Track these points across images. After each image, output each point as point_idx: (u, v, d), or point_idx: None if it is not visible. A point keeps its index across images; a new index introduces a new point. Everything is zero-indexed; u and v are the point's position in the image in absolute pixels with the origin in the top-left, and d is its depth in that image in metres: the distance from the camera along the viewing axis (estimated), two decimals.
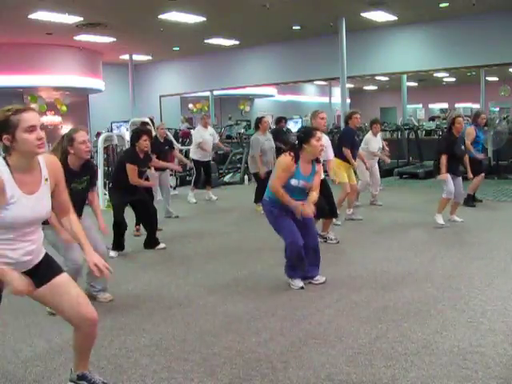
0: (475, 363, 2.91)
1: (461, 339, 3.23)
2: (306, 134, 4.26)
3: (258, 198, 8.09)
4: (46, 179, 2.43)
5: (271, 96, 22.38)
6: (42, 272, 2.49)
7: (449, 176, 6.41)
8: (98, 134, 12.61)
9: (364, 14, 11.95)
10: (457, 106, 24.46)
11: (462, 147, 6.64)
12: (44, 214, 2.43)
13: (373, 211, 7.98)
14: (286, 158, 4.21)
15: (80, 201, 4.00)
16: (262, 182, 8.06)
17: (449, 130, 6.66)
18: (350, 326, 3.52)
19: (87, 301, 2.63)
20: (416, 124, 15.54)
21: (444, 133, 6.96)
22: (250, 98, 22.49)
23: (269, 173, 8.07)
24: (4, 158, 2.31)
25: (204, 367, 2.99)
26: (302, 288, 4.28)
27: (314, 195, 4.33)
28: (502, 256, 5.13)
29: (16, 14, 10.93)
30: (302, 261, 4.28)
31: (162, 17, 11.58)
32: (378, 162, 9.95)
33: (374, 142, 8.04)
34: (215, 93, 18.12)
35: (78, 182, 3.99)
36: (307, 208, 4.18)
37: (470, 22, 12.16)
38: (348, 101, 16.25)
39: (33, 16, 11.06)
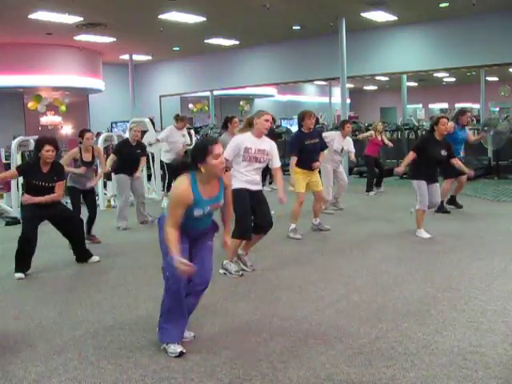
0: (475, 363, 2.91)
1: (461, 339, 3.23)
2: (200, 151, 3.09)
3: None
4: None
5: (271, 96, 22.37)
6: None
7: (424, 185, 5.95)
8: (98, 134, 12.61)
9: (364, 14, 11.96)
10: (457, 106, 24.45)
11: (444, 152, 6.00)
12: None
13: (372, 212, 7.97)
14: (180, 188, 3.08)
15: None
16: None
17: (431, 130, 6.12)
18: (350, 326, 3.52)
19: None
20: (416, 124, 15.55)
21: (426, 132, 6.29)
22: (250, 98, 22.48)
23: None
24: None
25: (204, 367, 2.99)
26: (181, 353, 3.14)
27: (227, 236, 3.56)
28: (502, 256, 5.13)
29: (16, 14, 10.94)
30: (182, 303, 3.24)
31: (162, 17, 11.58)
32: (378, 163, 9.99)
33: (337, 142, 7.63)
34: (215, 93, 18.12)
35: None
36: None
37: (470, 21, 12.16)
38: (348, 101, 16.26)
39: (33, 16, 11.07)
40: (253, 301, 4.10)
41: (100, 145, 9.38)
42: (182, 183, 3.09)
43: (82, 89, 16.66)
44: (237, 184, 4.47)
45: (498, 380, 2.74)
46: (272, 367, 2.96)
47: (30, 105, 15.89)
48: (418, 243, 5.86)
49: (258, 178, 4.90)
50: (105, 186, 9.53)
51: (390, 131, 14.44)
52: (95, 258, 5.46)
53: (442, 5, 11.30)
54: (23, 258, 5.00)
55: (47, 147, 4.92)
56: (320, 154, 6.49)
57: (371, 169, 9.96)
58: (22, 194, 5.23)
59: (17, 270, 4.98)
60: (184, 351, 3.16)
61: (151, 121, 10.92)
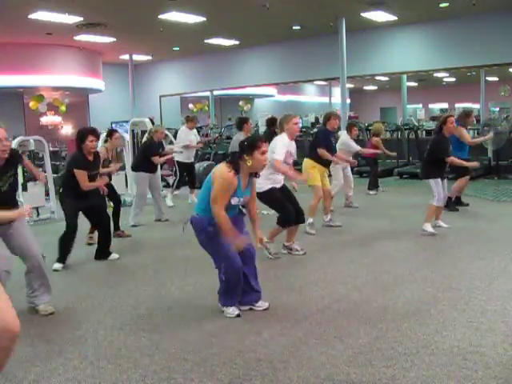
0: (475, 363, 2.91)
1: (461, 339, 3.23)
2: (250, 144, 3.57)
3: None
4: None
5: (271, 96, 22.39)
6: None
7: (440, 183, 6.09)
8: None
9: (364, 14, 11.96)
10: (457, 105, 24.45)
11: (451, 148, 6.22)
12: None
13: (372, 211, 7.97)
14: (228, 174, 3.47)
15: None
16: None
17: (440, 130, 6.22)
18: (350, 326, 3.52)
19: (13, 309, 2.37)
20: (416, 124, 15.55)
21: (436, 134, 6.35)
22: (250, 98, 22.49)
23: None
24: None
25: (204, 367, 2.99)
26: (238, 316, 3.69)
27: (259, 234, 3.82)
28: (502, 256, 5.13)
29: (16, 14, 10.94)
30: (240, 286, 3.72)
31: (162, 17, 11.59)
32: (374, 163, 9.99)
33: (352, 143, 7.97)
34: (215, 93, 18.13)
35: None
36: (258, 241, 3.78)
37: (470, 21, 12.17)
38: (348, 101, 16.27)
39: (33, 16, 11.08)
40: None
41: (100, 145, 9.39)
42: (228, 170, 3.49)
43: (82, 89, 16.67)
44: (266, 185, 5.03)
45: (498, 380, 2.74)
46: (272, 367, 2.96)
47: (32, 104, 15.88)
48: (417, 243, 5.86)
49: (282, 177, 5.34)
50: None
51: (390, 131, 14.46)
52: (115, 256, 5.56)
53: (441, 5, 11.31)
54: (68, 249, 5.22)
55: (91, 137, 5.13)
56: (337, 154, 6.87)
57: (374, 168, 9.98)
58: (60, 187, 5.51)
59: (59, 261, 5.18)
60: (241, 314, 3.70)
61: (151, 121, 10.92)
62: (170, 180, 10.87)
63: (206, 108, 20.32)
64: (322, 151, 6.44)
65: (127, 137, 10.24)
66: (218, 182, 3.48)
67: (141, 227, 7.28)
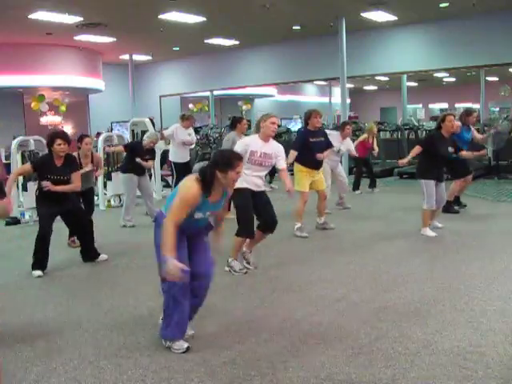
0: (475, 363, 2.91)
1: (461, 339, 3.23)
2: (226, 163, 3.17)
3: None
4: None
5: (271, 96, 22.38)
6: None
7: (432, 185, 5.94)
8: (98, 134, 12.61)
9: (364, 14, 11.96)
10: (457, 106, 24.45)
11: (451, 149, 6.01)
12: None
13: (372, 212, 7.98)
14: (193, 188, 3.13)
15: None
16: None
17: (438, 128, 6.12)
18: (350, 325, 3.52)
19: None
20: (416, 124, 15.54)
21: (433, 130, 6.29)
22: (250, 98, 22.49)
23: None
24: None
25: (204, 367, 2.99)
26: (188, 349, 3.19)
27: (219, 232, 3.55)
28: (502, 256, 5.13)
29: (16, 14, 10.94)
30: (185, 306, 3.25)
31: (162, 17, 11.59)
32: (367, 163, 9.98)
33: (335, 142, 7.49)
34: (215, 93, 18.12)
35: None
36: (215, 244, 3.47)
37: (470, 22, 12.17)
38: (348, 101, 16.26)
39: (33, 16, 11.08)
40: (253, 301, 4.10)
41: (100, 145, 9.40)
42: (194, 186, 3.13)
43: (82, 89, 16.66)
44: (240, 184, 4.38)
45: (498, 380, 2.74)
46: (272, 367, 2.96)
47: (33, 105, 15.87)
48: (417, 243, 5.86)
49: (261, 181, 4.95)
50: (105, 186, 9.53)
51: (389, 131, 14.46)
52: (104, 257, 5.49)
53: (442, 5, 11.31)
54: (42, 255, 5.05)
55: (58, 141, 5.05)
56: (325, 151, 6.52)
57: (359, 168, 9.99)
58: (36, 190, 5.28)
59: (35, 268, 5.02)
60: (190, 346, 3.20)
61: (151, 121, 10.92)
62: (170, 180, 10.90)
63: (206, 108, 20.31)
64: (291, 155, 6.18)
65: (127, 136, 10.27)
66: (179, 195, 3.14)
67: (140, 228, 7.27)
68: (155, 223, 3.33)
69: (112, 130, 16.12)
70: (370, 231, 6.57)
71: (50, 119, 17.38)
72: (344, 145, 7.96)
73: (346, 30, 12.35)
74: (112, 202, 9.32)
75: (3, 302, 4.31)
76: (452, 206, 7.42)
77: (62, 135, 5.18)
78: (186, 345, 3.21)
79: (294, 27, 13.41)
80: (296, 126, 18.15)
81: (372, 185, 10.05)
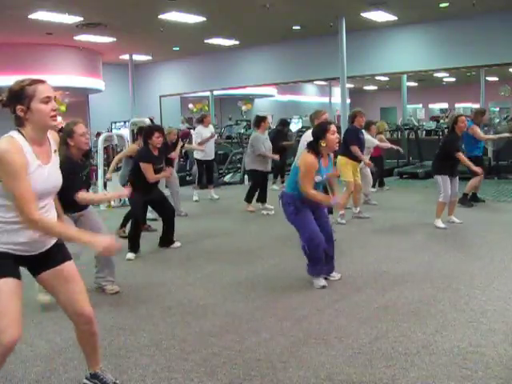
0: (475, 363, 2.91)
1: (461, 339, 3.23)
2: (321, 129, 4.29)
3: (250, 197, 8.08)
4: (55, 151, 2.48)
5: (271, 96, 22.38)
6: (53, 256, 2.49)
7: (448, 180, 6.39)
8: (98, 134, 12.60)
9: (364, 14, 11.95)
10: (457, 106, 24.47)
11: (461, 146, 6.62)
12: (58, 183, 2.47)
13: (372, 211, 7.97)
14: (310, 157, 4.20)
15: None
16: (256, 181, 8.06)
17: (452, 129, 6.58)
18: (350, 325, 3.52)
19: (85, 297, 2.56)
20: (416, 124, 15.54)
21: (448, 133, 6.83)
22: (250, 98, 22.50)
23: (266, 172, 8.15)
24: (18, 131, 2.33)
25: (204, 367, 2.99)
26: (323, 287, 4.29)
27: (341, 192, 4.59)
28: (502, 256, 5.13)
29: (16, 14, 10.93)
30: (321, 258, 4.32)
31: (162, 17, 11.58)
32: (381, 162, 10.01)
33: (369, 142, 8.13)
34: (215, 93, 18.12)
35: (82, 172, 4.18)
36: (339, 199, 4.48)
37: (470, 22, 12.16)
38: (348, 101, 16.26)
39: (33, 16, 11.06)
40: (253, 301, 4.10)
41: (100, 145, 9.41)
42: (310, 156, 4.20)
43: (82, 89, 16.64)
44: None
45: (498, 380, 2.74)
46: (272, 367, 2.96)
47: None
48: (417, 243, 5.86)
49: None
50: (105, 186, 9.54)
51: (389, 131, 14.46)
52: (177, 244, 6.01)
53: (441, 5, 11.30)
54: (136, 239, 5.64)
55: (157, 134, 5.63)
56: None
57: (379, 168, 10.03)
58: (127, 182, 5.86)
59: (131, 251, 5.57)
60: (326, 285, 4.30)
61: (151, 121, 10.93)
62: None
63: (206, 108, 20.30)
64: (354, 148, 6.85)
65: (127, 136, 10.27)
66: (302, 168, 4.19)
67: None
68: (283, 203, 4.40)
69: (112, 129, 16.13)
70: (370, 231, 6.57)
71: None
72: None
73: (346, 30, 12.34)
74: (112, 203, 9.32)
75: None
76: (467, 199, 7.86)
77: (160, 128, 5.86)
78: (323, 282, 4.34)
79: (293, 27, 13.39)
80: (297, 126, 18.12)
81: (380, 183, 10.12)
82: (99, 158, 9.39)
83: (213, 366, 3.01)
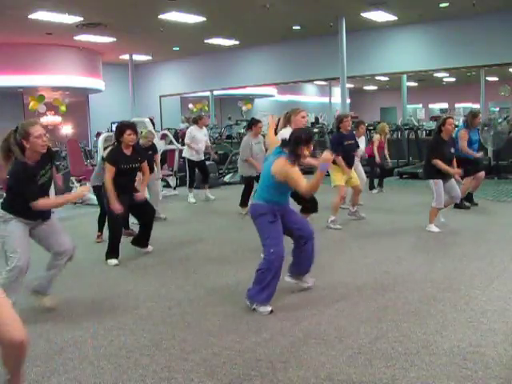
0: (475, 363, 2.91)
1: (461, 339, 3.23)
2: (310, 136, 3.95)
3: (244, 201, 7.97)
4: None
5: (271, 96, 22.38)
6: None
7: (441, 184, 6.10)
8: (98, 134, 12.60)
9: (364, 14, 11.96)
10: (457, 106, 24.46)
11: (452, 150, 6.25)
12: None
13: (372, 211, 7.97)
14: (291, 165, 3.82)
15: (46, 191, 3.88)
16: (247, 185, 7.97)
17: (438, 131, 6.27)
18: (350, 325, 3.52)
19: (17, 321, 2.31)
20: (416, 124, 15.54)
21: (434, 136, 6.53)
22: (250, 98, 22.50)
23: (257, 177, 8.05)
24: None
25: (204, 367, 2.99)
26: (271, 312, 3.78)
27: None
28: (502, 256, 5.13)
29: (16, 14, 10.94)
30: (277, 277, 3.87)
31: (162, 17, 11.59)
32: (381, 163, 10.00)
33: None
34: (215, 93, 18.12)
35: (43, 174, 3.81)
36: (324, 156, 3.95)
37: (470, 21, 12.17)
38: (348, 101, 16.26)
39: (33, 16, 11.07)
40: None
41: (100, 145, 9.40)
42: (289, 164, 3.80)
43: (82, 89, 16.66)
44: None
45: (498, 380, 2.74)
46: (272, 367, 2.96)
47: (32, 105, 15.86)
48: (417, 243, 5.86)
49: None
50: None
51: (389, 131, 14.45)
52: (150, 248, 5.78)
53: (442, 5, 11.31)
54: (116, 245, 5.39)
55: (128, 131, 5.23)
56: (356, 152, 7.13)
57: (374, 169, 10.03)
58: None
59: (111, 257, 5.36)
60: (273, 310, 3.79)
61: (151, 121, 10.92)
62: (170, 180, 10.88)
63: (206, 108, 20.31)
64: (337, 159, 6.48)
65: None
66: (290, 172, 3.78)
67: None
68: (253, 215, 3.99)
69: (112, 129, 16.13)
70: (370, 231, 6.57)
71: (50, 119, 17.37)
72: (361, 144, 8.21)
73: (346, 30, 12.35)
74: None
75: None
76: (463, 202, 7.61)
77: (131, 125, 5.36)
78: (269, 308, 3.81)
79: (293, 27, 13.40)
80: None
81: (379, 184, 10.09)
82: (99, 158, 9.37)
83: (213, 365, 3.01)
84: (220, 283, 4.61)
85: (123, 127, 5.29)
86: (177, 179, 11.39)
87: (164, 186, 10.84)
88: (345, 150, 6.70)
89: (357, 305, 3.93)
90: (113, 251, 5.41)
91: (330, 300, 4.05)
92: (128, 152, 5.32)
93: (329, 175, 6.59)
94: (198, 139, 9.10)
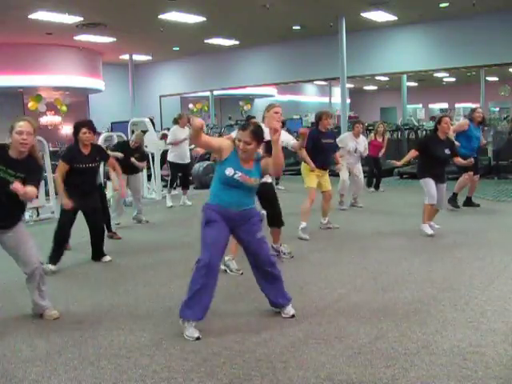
0: (475, 363, 2.91)
1: (461, 339, 3.23)
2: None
3: None
4: None
5: (271, 96, 22.39)
6: None
7: (431, 182, 6.02)
8: (98, 134, 12.59)
9: (364, 14, 11.97)
10: (457, 106, 24.46)
11: (447, 151, 6.07)
12: None
13: (372, 212, 7.98)
14: (227, 140, 3.67)
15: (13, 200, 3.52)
16: None
17: (435, 130, 6.23)
18: (350, 325, 3.52)
19: None
20: (416, 124, 15.54)
21: (430, 133, 6.53)
22: (250, 98, 22.51)
23: None
24: None
25: (204, 367, 2.99)
26: (198, 339, 3.32)
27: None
28: (502, 256, 5.13)
29: (16, 14, 10.95)
30: (208, 293, 3.45)
31: (162, 17, 11.60)
32: (377, 162, 10.01)
33: (350, 142, 8.01)
34: (215, 93, 18.13)
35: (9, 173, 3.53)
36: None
37: (470, 22, 12.18)
38: (348, 101, 16.29)
39: (33, 16, 11.08)
40: (253, 301, 4.09)
41: (100, 141, 9.40)
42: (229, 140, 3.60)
43: (82, 89, 16.67)
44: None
45: (498, 380, 2.74)
46: (272, 367, 2.96)
47: (31, 105, 15.87)
48: (417, 243, 5.86)
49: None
50: (105, 185, 9.54)
51: (389, 131, 14.46)
52: (107, 258, 5.47)
53: (442, 5, 11.32)
54: (59, 250, 5.09)
55: (83, 130, 5.10)
56: (336, 154, 6.84)
57: (370, 168, 10.06)
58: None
59: (50, 262, 5.03)
60: (200, 337, 3.32)
61: (151, 121, 10.93)
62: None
63: (206, 108, 20.32)
64: (302, 153, 6.10)
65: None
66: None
67: (137, 228, 7.29)
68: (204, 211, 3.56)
69: (112, 129, 16.12)
70: (370, 231, 6.56)
71: (50, 119, 17.37)
72: (360, 144, 8.18)
73: (346, 30, 12.36)
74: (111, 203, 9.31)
75: (3, 301, 4.31)
76: (456, 200, 7.68)
77: (87, 123, 5.20)
78: (196, 334, 3.34)
79: (293, 27, 13.41)
80: (297, 126, 18.11)
81: (376, 185, 10.11)
82: None
83: (213, 365, 3.00)
84: (220, 283, 4.60)
85: (79, 126, 5.15)
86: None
87: (164, 186, 10.84)
88: (321, 149, 6.30)
89: (357, 305, 3.93)
90: (55, 256, 5.08)
91: (329, 300, 4.05)
92: (86, 151, 5.15)
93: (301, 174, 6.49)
94: (181, 139, 8.77)
